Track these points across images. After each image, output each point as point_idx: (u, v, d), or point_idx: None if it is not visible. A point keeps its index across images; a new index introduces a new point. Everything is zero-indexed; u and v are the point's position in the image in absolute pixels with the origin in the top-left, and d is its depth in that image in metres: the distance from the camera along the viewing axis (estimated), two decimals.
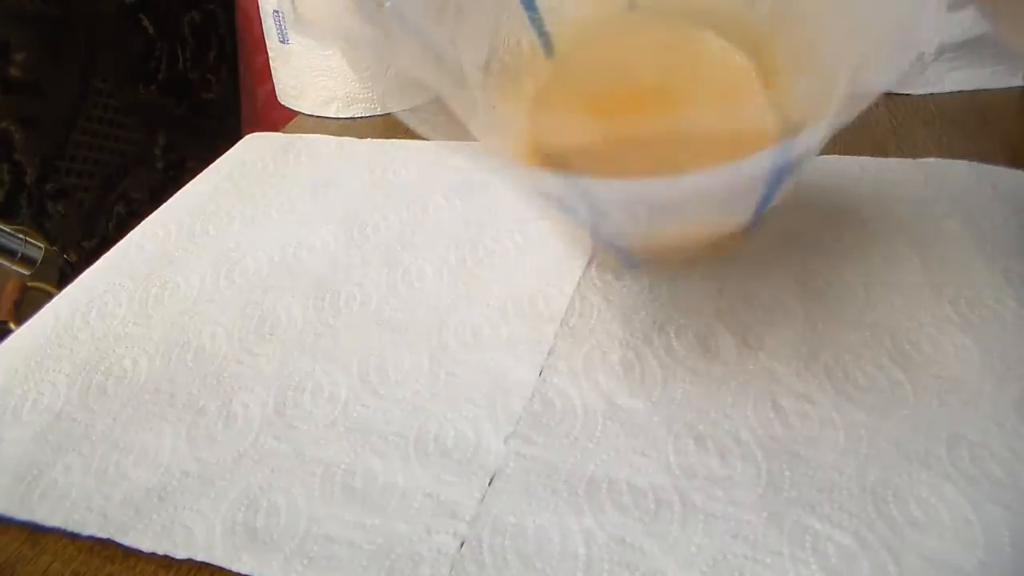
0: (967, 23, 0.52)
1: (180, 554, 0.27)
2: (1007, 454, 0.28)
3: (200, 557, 0.27)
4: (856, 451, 0.28)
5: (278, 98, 0.63)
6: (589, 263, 0.39)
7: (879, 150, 0.48)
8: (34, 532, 0.29)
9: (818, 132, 0.22)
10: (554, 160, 0.30)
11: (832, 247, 0.39)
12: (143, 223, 0.46)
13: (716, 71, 0.32)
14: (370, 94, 0.58)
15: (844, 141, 0.50)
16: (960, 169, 0.44)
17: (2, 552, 0.28)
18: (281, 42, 0.59)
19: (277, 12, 0.57)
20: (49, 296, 0.44)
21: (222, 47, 0.87)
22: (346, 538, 0.27)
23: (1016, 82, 0.54)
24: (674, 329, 0.35)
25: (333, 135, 0.55)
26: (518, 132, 0.31)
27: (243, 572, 0.26)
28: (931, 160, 0.45)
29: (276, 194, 0.48)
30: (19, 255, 0.58)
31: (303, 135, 0.56)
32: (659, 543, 0.26)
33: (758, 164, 0.21)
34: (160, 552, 0.27)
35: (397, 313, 0.37)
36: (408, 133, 0.58)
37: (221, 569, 0.27)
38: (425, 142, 0.53)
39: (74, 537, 0.29)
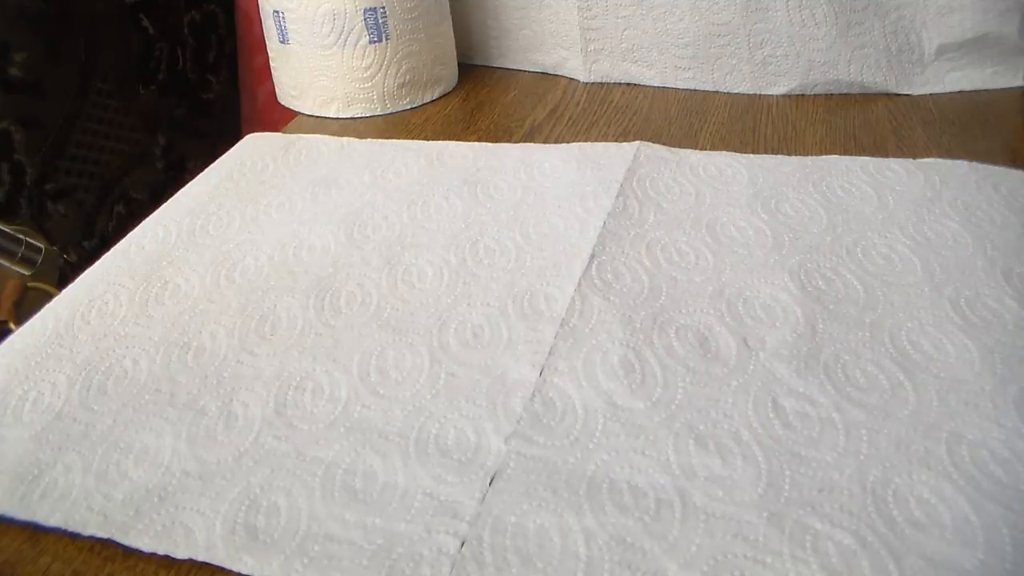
0: (967, 23, 0.52)
1: (180, 554, 0.27)
2: (1007, 454, 0.28)
3: (201, 557, 0.27)
4: (856, 451, 0.28)
5: (278, 98, 0.63)
6: (590, 262, 0.39)
7: (879, 150, 0.48)
8: (34, 532, 0.29)
9: None
10: None
11: (832, 247, 0.39)
12: (143, 223, 0.46)
13: None
14: (370, 94, 0.58)
15: (844, 141, 0.50)
16: (960, 169, 0.44)
17: (2, 552, 0.28)
18: (281, 42, 0.59)
19: (277, 12, 0.57)
20: (49, 296, 0.44)
21: (222, 47, 0.87)
22: (347, 538, 0.27)
23: (1016, 82, 0.54)
24: (674, 329, 0.35)
25: (333, 135, 0.55)
26: None
27: (244, 572, 0.26)
28: (931, 160, 0.46)
29: (276, 194, 0.48)
30: (19, 255, 0.58)
31: (303, 135, 0.56)
32: (659, 543, 0.26)
33: None
34: (161, 552, 0.27)
35: (397, 313, 0.37)
36: (408, 133, 0.58)
37: (222, 569, 0.27)
38: (425, 142, 0.53)
39: (74, 537, 0.28)
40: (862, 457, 0.28)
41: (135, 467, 0.31)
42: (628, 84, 0.61)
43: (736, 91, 0.57)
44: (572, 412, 0.31)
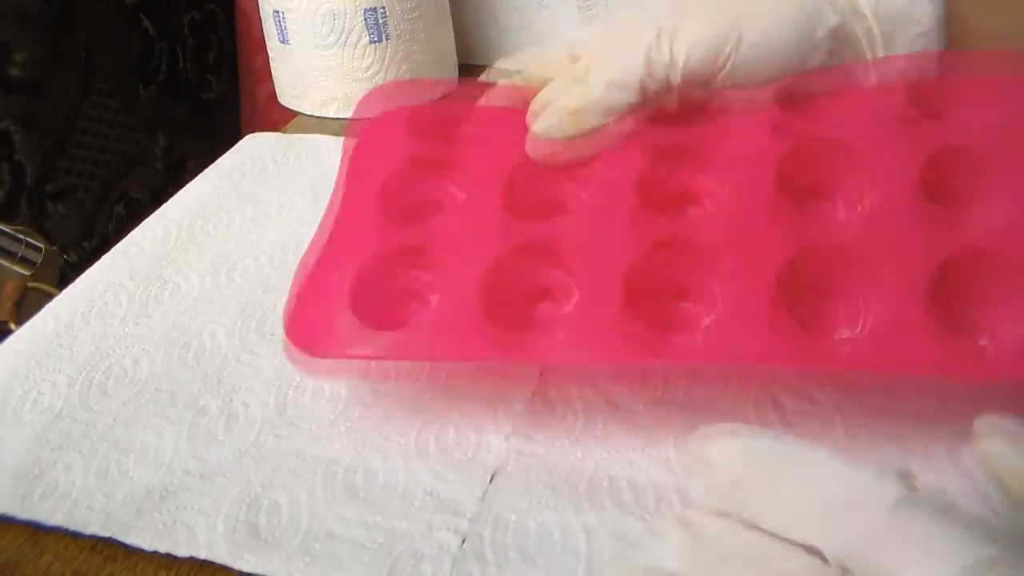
0: None
1: (182, 552, 0.27)
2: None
3: (202, 555, 0.27)
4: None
5: (278, 98, 0.63)
6: None
7: None
8: (35, 532, 0.29)
9: None
10: None
11: None
12: (143, 223, 0.46)
13: None
14: None
15: None
16: None
17: (3, 552, 0.28)
18: (281, 42, 0.59)
19: (277, 12, 0.57)
20: (49, 296, 0.44)
21: (222, 47, 0.87)
22: (348, 536, 0.27)
23: None
24: None
25: (333, 135, 0.55)
26: None
27: (245, 570, 0.26)
28: None
29: (276, 194, 0.48)
30: (19, 255, 0.58)
31: (303, 135, 0.56)
32: (660, 541, 0.26)
33: None
34: (162, 551, 0.27)
35: None
36: None
37: (222, 569, 0.27)
38: None
39: (75, 537, 0.28)
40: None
41: (136, 466, 0.31)
42: None
43: None
44: (572, 410, 0.31)
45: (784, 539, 0.21)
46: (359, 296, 0.30)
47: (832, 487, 0.20)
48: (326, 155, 0.53)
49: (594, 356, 0.28)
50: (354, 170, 0.35)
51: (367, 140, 0.36)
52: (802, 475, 0.21)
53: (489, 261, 0.29)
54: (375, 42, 0.57)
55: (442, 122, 0.36)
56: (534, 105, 0.34)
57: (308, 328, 0.30)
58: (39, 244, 0.60)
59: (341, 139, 0.54)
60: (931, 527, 0.19)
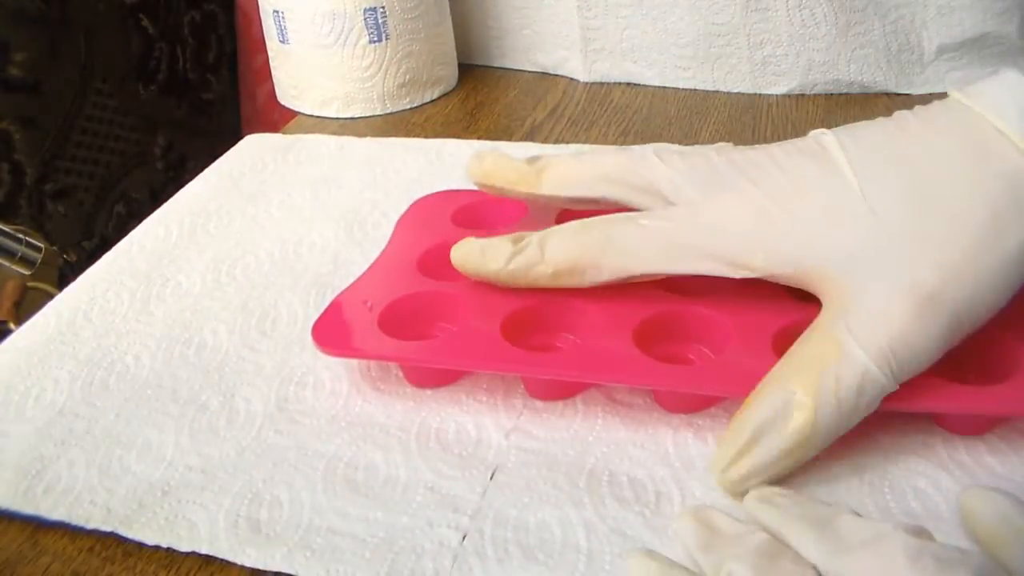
0: (967, 23, 0.52)
1: (184, 547, 0.27)
2: (1002, 444, 0.28)
3: (204, 550, 0.27)
4: (853, 442, 0.29)
5: (278, 98, 0.64)
6: None
7: None
8: (34, 532, 0.29)
9: None
10: None
11: None
12: (144, 223, 0.47)
13: None
14: (370, 94, 0.58)
15: None
16: None
17: (2, 552, 0.28)
18: (281, 42, 0.59)
19: (277, 12, 0.58)
20: (49, 296, 0.45)
21: (222, 47, 0.88)
22: (349, 531, 0.27)
23: None
24: None
25: (333, 135, 0.55)
26: None
27: (247, 564, 0.26)
28: None
29: (276, 192, 0.49)
30: (19, 255, 0.58)
31: (303, 135, 0.56)
32: (660, 536, 0.26)
33: None
34: (164, 545, 0.27)
35: None
36: (408, 133, 0.58)
37: (222, 568, 0.27)
38: (425, 140, 0.53)
39: (74, 536, 0.29)
40: (859, 448, 0.28)
41: (138, 462, 0.31)
42: (628, 84, 0.61)
43: (736, 91, 0.58)
44: (572, 406, 0.31)
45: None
46: (386, 315, 0.33)
47: (854, 533, 0.23)
48: (326, 155, 0.53)
49: (605, 377, 0.31)
50: (398, 232, 0.40)
51: (415, 210, 0.41)
52: (831, 525, 0.23)
53: (510, 310, 0.32)
54: (375, 42, 0.57)
55: (479, 203, 0.41)
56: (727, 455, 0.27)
57: (333, 329, 0.33)
58: (39, 244, 0.60)
59: (341, 139, 0.55)
60: (941, 570, 0.21)
